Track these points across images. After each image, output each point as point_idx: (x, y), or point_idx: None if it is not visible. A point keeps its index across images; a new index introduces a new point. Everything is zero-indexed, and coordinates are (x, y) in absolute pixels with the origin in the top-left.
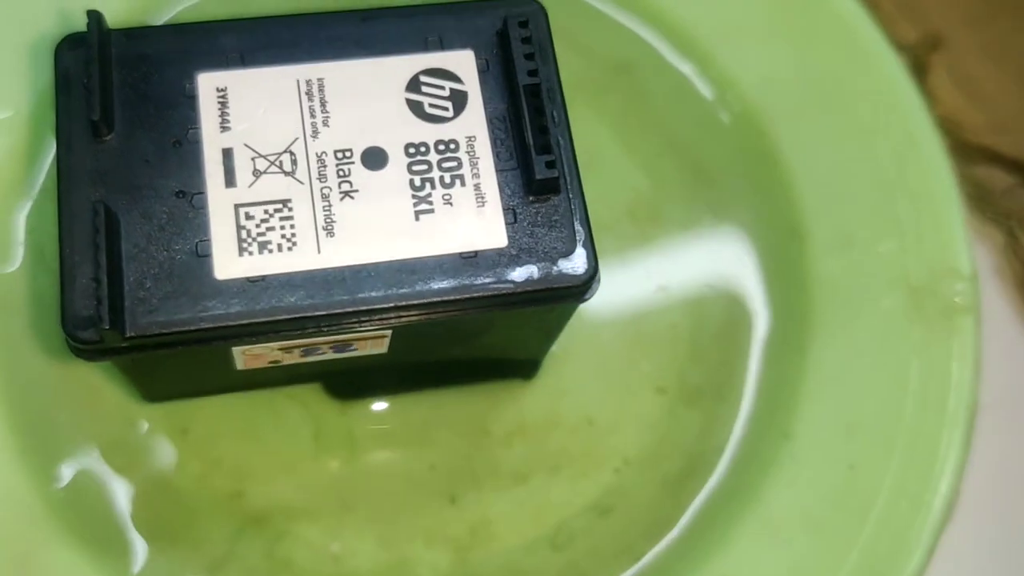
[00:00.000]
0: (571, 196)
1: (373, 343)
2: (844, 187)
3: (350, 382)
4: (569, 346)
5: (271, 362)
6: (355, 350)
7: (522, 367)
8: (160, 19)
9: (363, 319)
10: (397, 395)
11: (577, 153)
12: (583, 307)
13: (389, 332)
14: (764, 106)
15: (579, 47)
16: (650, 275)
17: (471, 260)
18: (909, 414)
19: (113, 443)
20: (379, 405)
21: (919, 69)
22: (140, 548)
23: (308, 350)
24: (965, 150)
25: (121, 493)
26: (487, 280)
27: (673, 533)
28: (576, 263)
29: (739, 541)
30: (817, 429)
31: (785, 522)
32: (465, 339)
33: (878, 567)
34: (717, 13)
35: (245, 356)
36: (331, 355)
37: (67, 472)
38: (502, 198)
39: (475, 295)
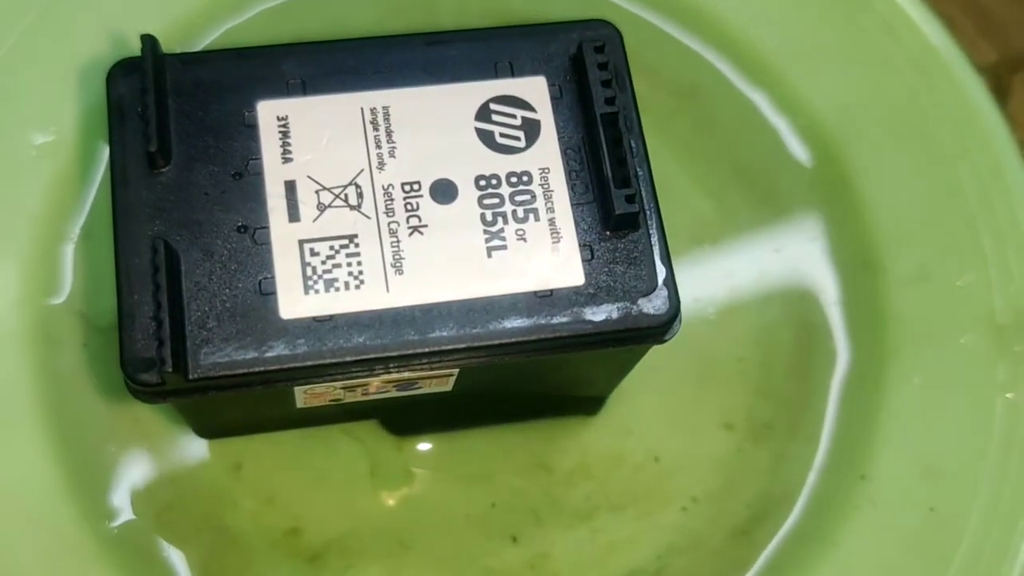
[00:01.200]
0: (651, 231)
1: (439, 382)
2: (922, 217)
3: (407, 417)
4: (632, 380)
5: (332, 400)
6: (420, 388)
7: (586, 403)
8: (204, 40)
9: (433, 360)
10: (456, 431)
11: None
12: None
13: (456, 371)
14: (837, 132)
15: (645, 70)
16: (716, 305)
17: (546, 299)
18: (993, 455)
19: (164, 480)
20: (437, 441)
21: (1000, 92)
22: None
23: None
24: None
25: (173, 531)
26: (563, 320)
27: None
28: (657, 303)
29: None
30: (895, 471)
31: (863, 568)
32: (535, 378)
33: None
34: (788, 36)
35: (306, 395)
36: (394, 393)
37: (118, 510)
38: (578, 233)
39: (551, 336)
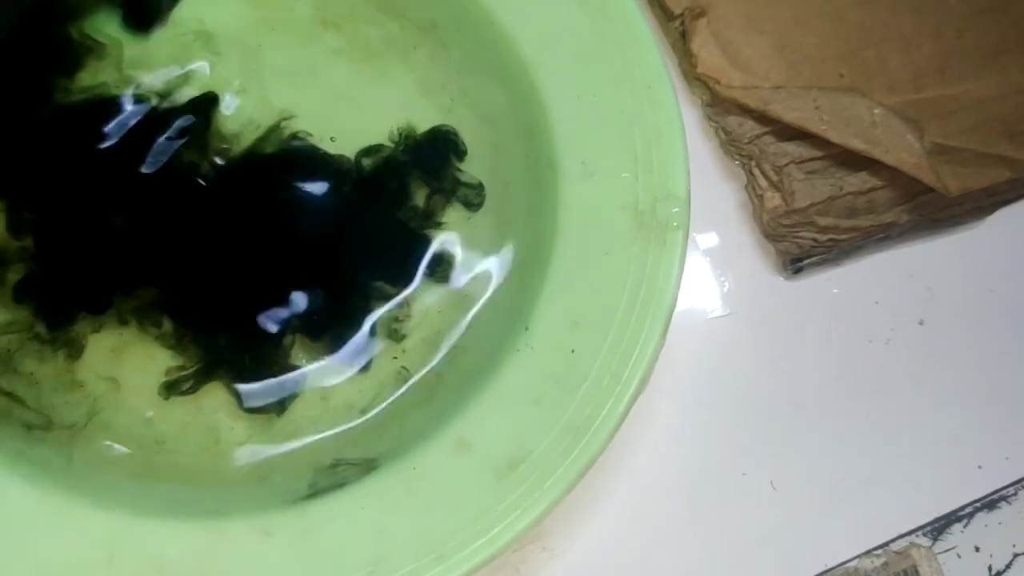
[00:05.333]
0: None
1: None
2: (592, 128)
3: None
4: None
5: None
6: None
7: None
8: None
9: None
10: None
11: (388, 102)
12: None
13: None
14: (537, 62)
15: (394, 11)
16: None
17: None
18: (622, 310)
19: None
20: None
21: (685, 33)
22: None
23: None
24: (721, 102)
25: None
26: None
27: (432, 404)
28: None
29: (476, 409)
30: (550, 323)
31: (513, 392)
32: None
33: (582, 428)
34: None
35: None
36: None
37: None
38: None
39: None
